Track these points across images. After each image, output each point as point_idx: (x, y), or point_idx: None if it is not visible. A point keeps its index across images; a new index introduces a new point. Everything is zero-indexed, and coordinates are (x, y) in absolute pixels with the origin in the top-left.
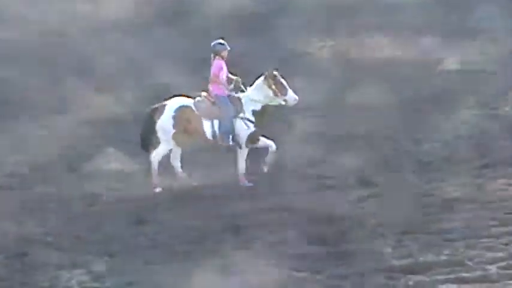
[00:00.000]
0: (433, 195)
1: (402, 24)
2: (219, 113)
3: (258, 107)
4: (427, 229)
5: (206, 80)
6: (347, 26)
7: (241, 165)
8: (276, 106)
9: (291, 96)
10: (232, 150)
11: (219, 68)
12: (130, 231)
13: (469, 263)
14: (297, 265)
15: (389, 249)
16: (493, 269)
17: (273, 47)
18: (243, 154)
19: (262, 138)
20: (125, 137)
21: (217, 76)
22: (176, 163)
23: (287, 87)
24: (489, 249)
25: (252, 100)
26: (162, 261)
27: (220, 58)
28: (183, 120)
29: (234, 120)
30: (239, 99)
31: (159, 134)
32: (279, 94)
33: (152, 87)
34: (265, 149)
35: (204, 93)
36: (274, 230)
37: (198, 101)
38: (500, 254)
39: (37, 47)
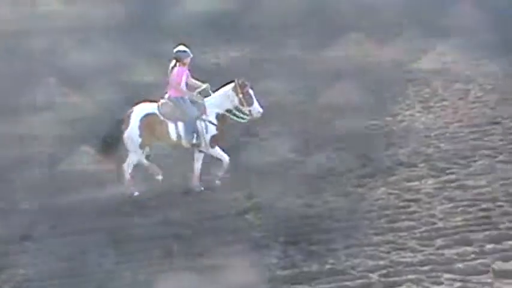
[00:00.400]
0: (316, 206)
1: None
2: (181, 115)
3: (222, 111)
4: (310, 239)
5: None
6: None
7: (198, 166)
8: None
9: (256, 108)
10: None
11: (181, 75)
12: None
13: (352, 271)
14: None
15: (274, 260)
16: (374, 277)
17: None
18: (200, 157)
19: (217, 148)
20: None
21: (179, 84)
22: (129, 168)
23: (253, 98)
24: (371, 257)
25: (217, 104)
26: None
27: (182, 65)
28: (148, 128)
29: (197, 121)
30: (202, 101)
31: (128, 144)
32: (244, 104)
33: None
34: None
35: (166, 96)
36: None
37: (162, 104)
38: (381, 262)
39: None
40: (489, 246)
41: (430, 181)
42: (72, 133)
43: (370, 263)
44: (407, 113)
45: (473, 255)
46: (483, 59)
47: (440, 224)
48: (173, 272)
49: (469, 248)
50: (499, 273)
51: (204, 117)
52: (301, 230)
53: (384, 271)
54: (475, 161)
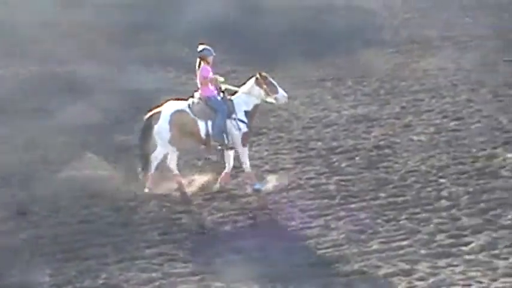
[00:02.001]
0: (89, 221)
1: None
2: (212, 114)
3: (250, 108)
4: (84, 255)
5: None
6: None
7: (230, 164)
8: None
9: (281, 94)
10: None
11: (208, 71)
12: None
13: (125, 285)
14: None
15: (47, 278)
16: None
17: None
18: (231, 155)
19: (246, 149)
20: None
21: (206, 77)
22: (173, 165)
23: (277, 86)
24: (143, 270)
25: (244, 101)
26: None
27: (206, 63)
28: (178, 124)
29: (226, 121)
30: (231, 100)
31: (157, 139)
32: (270, 93)
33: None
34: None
35: (197, 95)
36: None
37: (193, 102)
38: (154, 275)
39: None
40: (256, 253)
41: (201, 192)
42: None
43: (143, 275)
44: None
45: (241, 263)
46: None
47: (210, 234)
48: None
49: (237, 256)
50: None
51: (233, 116)
52: (74, 245)
53: (157, 283)
54: (243, 171)
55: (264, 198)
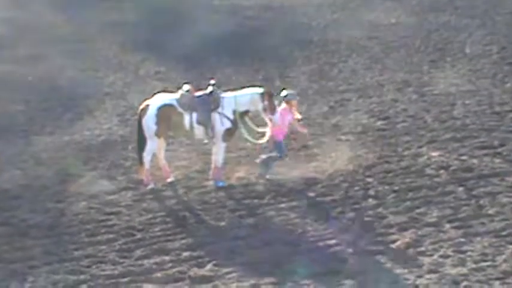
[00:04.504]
0: (11, 224)
1: None
2: (197, 106)
3: (240, 109)
4: (11, 258)
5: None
6: None
7: (216, 158)
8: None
9: (277, 118)
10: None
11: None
12: None
13: None
14: None
15: None
16: None
17: None
18: (218, 149)
19: (224, 146)
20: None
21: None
22: (160, 155)
23: (277, 109)
24: (71, 272)
25: (238, 101)
26: None
27: (290, 107)
28: (165, 118)
29: (211, 113)
30: (219, 94)
31: (145, 131)
32: (267, 112)
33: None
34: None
35: (186, 87)
36: None
37: (181, 95)
38: (82, 277)
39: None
40: (185, 254)
41: (129, 194)
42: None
43: (71, 278)
44: (105, 126)
45: (170, 264)
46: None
47: (139, 235)
48: None
49: (166, 257)
50: (195, 280)
51: (219, 110)
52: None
53: (84, 285)
54: (172, 172)
55: (193, 199)
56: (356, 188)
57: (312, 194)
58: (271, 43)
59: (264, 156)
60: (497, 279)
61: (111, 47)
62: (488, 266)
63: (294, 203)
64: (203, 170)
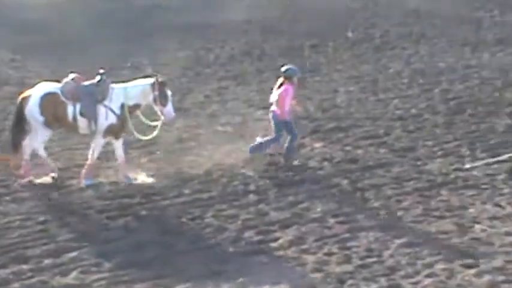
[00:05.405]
0: None
1: None
2: (82, 96)
3: (130, 103)
4: None
5: None
6: None
7: (92, 154)
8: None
9: (169, 111)
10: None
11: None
12: None
13: None
14: None
15: None
16: None
17: None
18: (96, 144)
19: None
20: None
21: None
22: (41, 150)
23: (169, 101)
24: None
25: (128, 94)
26: None
27: (289, 83)
28: (49, 107)
29: (97, 105)
30: (110, 86)
31: (31, 122)
32: (158, 103)
33: None
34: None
35: (72, 75)
36: None
37: (66, 83)
38: None
39: None
40: (47, 261)
41: None
42: None
43: None
44: None
45: (30, 273)
46: None
47: None
48: None
49: (25, 266)
50: None
51: (106, 103)
52: None
53: None
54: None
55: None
56: (235, 183)
57: (187, 191)
58: (141, 27)
59: (259, 140)
60: (383, 275)
61: None
62: (374, 263)
63: (167, 202)
64: (67, 167)
